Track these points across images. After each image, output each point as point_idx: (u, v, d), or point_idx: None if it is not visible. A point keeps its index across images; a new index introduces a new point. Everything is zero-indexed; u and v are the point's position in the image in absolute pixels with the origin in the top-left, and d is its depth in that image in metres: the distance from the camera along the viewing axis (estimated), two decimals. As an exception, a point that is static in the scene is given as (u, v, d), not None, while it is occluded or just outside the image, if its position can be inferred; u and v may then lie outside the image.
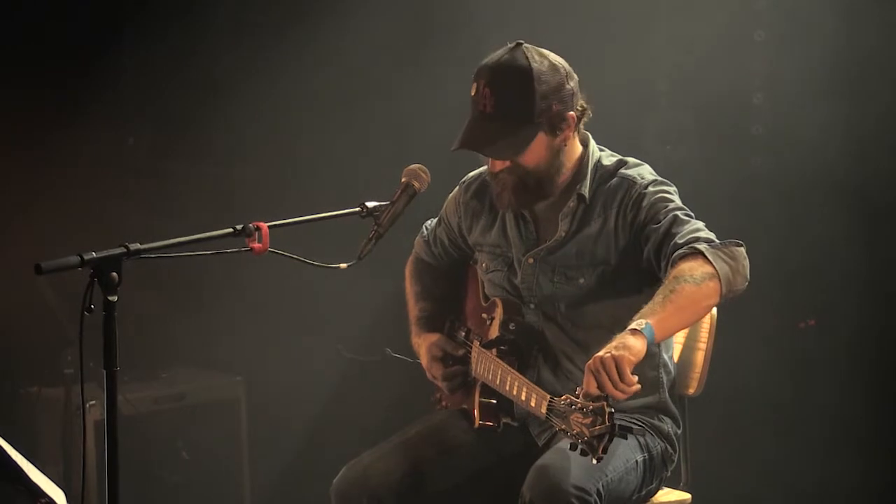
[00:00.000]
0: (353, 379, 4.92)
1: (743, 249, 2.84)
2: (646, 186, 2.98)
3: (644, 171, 3.04)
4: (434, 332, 3.31)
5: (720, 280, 2.74)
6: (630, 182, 3.00)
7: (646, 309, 2.70)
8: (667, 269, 2.82)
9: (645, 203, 2.95)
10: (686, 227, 2.87)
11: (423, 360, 3.29)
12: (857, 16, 4.24)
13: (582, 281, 3.03)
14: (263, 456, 4.84)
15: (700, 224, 2.89)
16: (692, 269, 2.73)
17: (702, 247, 2.78)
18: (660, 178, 3.03)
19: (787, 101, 4.38)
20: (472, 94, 2.94)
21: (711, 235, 2.85)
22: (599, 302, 3.02)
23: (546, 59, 2.94)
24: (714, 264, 2.74)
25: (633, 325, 2.65)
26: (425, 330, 3.34)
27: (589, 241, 3.01)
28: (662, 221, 2.90)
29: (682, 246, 2.81)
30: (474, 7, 4.61)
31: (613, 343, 2.62)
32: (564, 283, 3.04)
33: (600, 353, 2.60)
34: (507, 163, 2.96)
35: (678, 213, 2.91)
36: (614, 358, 2.58)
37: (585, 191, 3.02)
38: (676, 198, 2.98)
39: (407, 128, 4.71)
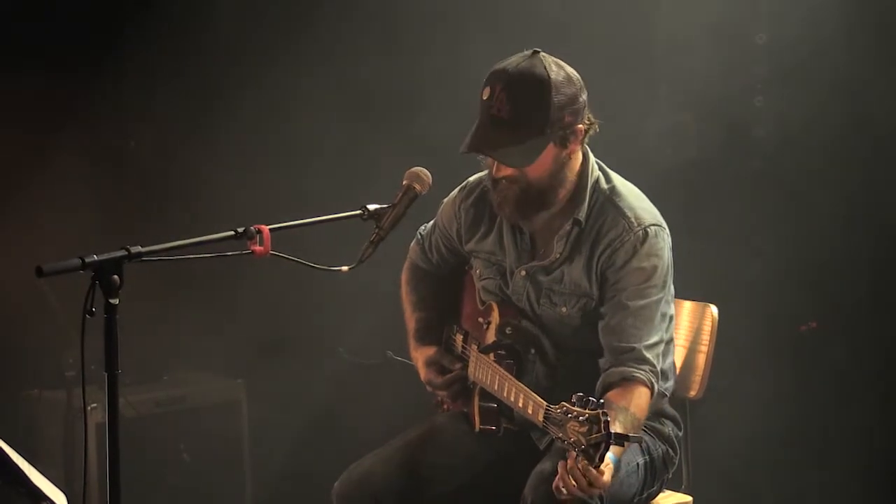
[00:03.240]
0: (355, 382, 4.91)
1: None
2: (642, 240, 2.94)
3: (641, 210, 2.99)
4: (431, 345, 3.31)
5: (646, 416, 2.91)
6: (626, 226, 2.96)
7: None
8: (616, 358, 2.90)
9: (634, 264, 2.93)
10: (648, 333, 2.91)
11: (421, 373, 3.28)
12: (857, 18, 4.24)
13: (564, 310, 3.03)
14: (264, 458, 4.84)
15: (659, 334, 2.94)
16: (644, 406, 2.86)
17: (657, 389, 2.90)
18: (655, 227, 2.97)
19: (789, 103, 4.37)
20: (485, 97, 2.90)
21: (660, 353, 2.93)
22: (580, 331, 3.03)
23: (563, 69, 2.91)
24: (651, 407, 2.92)
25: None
26: (422, 343, 3.33)
27: (575, 270, 3.01)
28: (630, 306, 2.91)
29: (641, 363, 2.89)
30: (477, 11, 4.61)
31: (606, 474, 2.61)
32: (548, 308, 3.05)
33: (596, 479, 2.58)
34: (512, 170, 2.93)
35: (652, 302, 2.92)
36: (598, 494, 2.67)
37: (582, 216, 3.00)
38: (662, 263, 2.95)
39: (408, 130, 4.70)
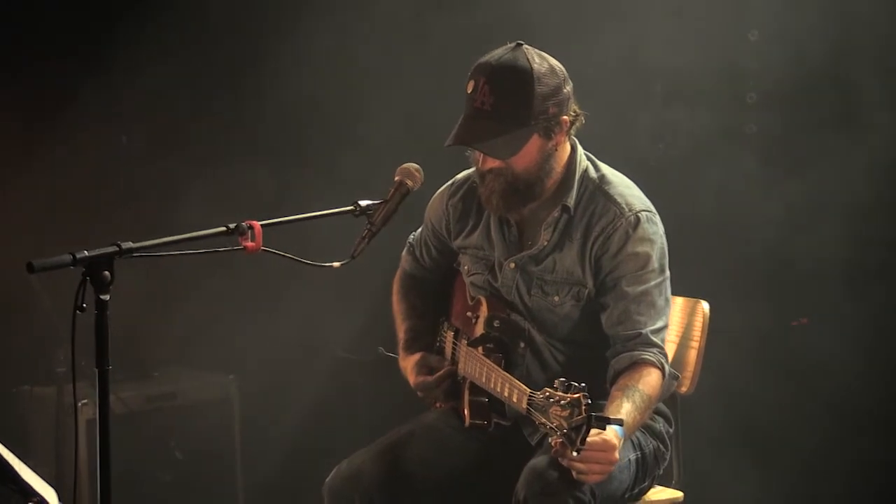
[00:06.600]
0: (346, 378, 4.91)
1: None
2: (634, 225, 2.96)
3: (631, 198, 3.01)
4: (418, 352, 3.30)
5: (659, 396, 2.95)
6: (617, 212, 2.97)
7: (622, 413, 2.74)
8: (623, 345, 2.92)
9: (628, 250, 2.95)
10: (653, 318, 2.93)
11: (410, 378, 3.27)
12: (850, 15, 4.24)
13: (556, 299, 3.03)
14: (256, 455, 4.83)
15: (663, 319, 2.96)
16: (656, 385, 2.88)
17: (667, 370, 2.94)
18: (646, 212, 2.99)
19: (781, 100, 4.38)
20: (469, 90, 2.92)
21: (665, 338, 2.98)
22: (571, 320, 3.04)
23: (546, 61, 2.94)
24: (664, 388, 2.95)
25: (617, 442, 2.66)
26: (410, 352, 3.32)
27: (567, 258, 3.01)
28: (630, 293, 2.93)
29: (649, 346, 2.91)
30: (472, 7, 4.61)
31: (613, 451, 2.64)
32: (540, 298, 3.05)
33: (598, 451, 2.61)
34: (498, 162, 2.94)
35: (652, 287, 2.94)
36: (606, 472, 2.67)
37: (571, 202, 3.01)
38: (657, 248, 2.97)
39: (401, 126, 4.70)
